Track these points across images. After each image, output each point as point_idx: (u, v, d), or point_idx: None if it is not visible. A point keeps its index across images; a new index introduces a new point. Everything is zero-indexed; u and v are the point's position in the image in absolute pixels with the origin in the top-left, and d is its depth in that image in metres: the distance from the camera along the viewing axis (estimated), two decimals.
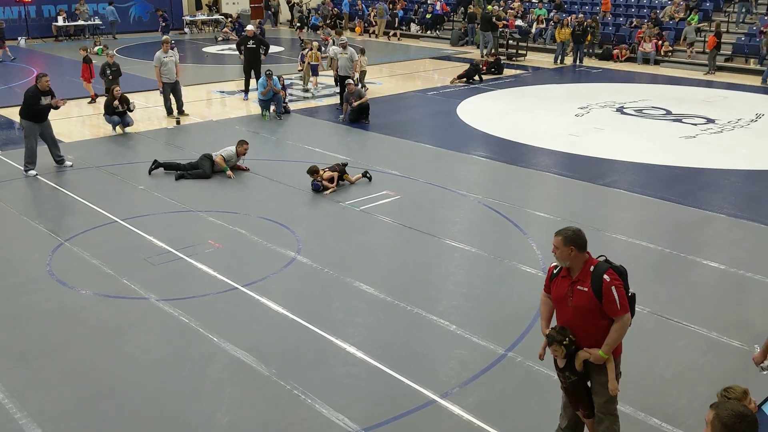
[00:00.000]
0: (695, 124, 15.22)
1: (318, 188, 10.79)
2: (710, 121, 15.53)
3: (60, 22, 28.92)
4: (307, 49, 19.12)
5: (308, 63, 18.85)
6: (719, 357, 6.37)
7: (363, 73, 18.36)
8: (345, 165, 11.25)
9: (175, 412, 5.61)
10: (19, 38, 26.03)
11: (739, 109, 16.64)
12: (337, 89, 16.98)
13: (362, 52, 18.27)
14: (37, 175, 11.68)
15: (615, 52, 24.42)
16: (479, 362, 6.27)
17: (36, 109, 11.79)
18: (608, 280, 4.50)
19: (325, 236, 9.25)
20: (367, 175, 11.34)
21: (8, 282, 7.83)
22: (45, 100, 11.87)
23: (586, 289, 4.55)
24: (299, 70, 19.58)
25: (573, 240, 4.61)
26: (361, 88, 16.98)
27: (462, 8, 30.00)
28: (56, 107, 12.10)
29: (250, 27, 18.70)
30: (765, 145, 13.61)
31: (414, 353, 6.45)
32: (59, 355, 6.41)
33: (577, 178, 11.56)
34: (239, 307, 7.28)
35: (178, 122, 15.21)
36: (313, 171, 10.93)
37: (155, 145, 13.61)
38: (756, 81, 20.56)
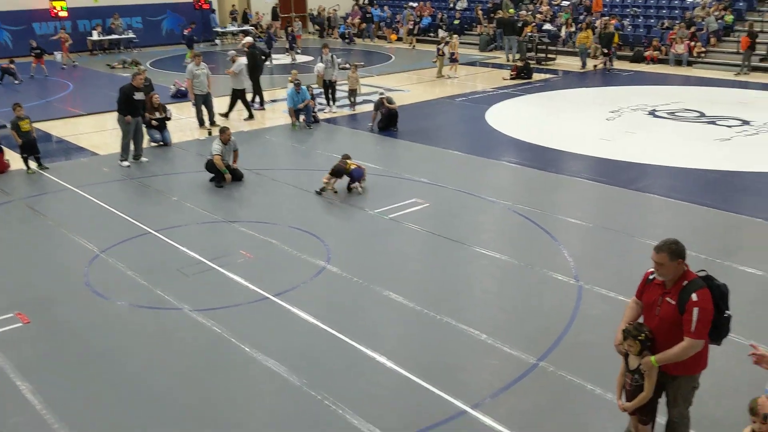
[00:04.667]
0: (730, 126, 14.93)
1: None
2: (745, 122, 15.23)
3: (95, 36, 29.53)
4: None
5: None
6: (756, 366, 6.21)
7: (353, 91, 17.72)
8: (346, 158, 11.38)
9: (210, 421, 5.67)
10: (55, 53, 26.63)
11: None
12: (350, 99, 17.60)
13: (355, 68, 18.05)
14: (129, 166, 12.91)
15: (647, 54, 24.09)
16: (511, 372, 6.22)
17: (129, 104, 12.95)
18: (695, 299, 4.38)
19: (355, 245, 9.28)
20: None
21: (47, 293, 8.00)
22: (138, 96, 13.14)
23: (673, 302, 4.48)
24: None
25: (679, 253, 4.48)
26: (352, 105, 17.11)
27: (491, 13, 29.92)
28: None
29: (248, 39, 19.06)
30: None
31: (445, 363, 6.43)
32: (96, 366, 6.53)
33: (608, 183, 11.42)
34: (270, 317, 7.34)
35: (209, 133, 15.40)
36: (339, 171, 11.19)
37: (188, 156, 13.81)
38: None
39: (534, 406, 5.77)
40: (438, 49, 22.75)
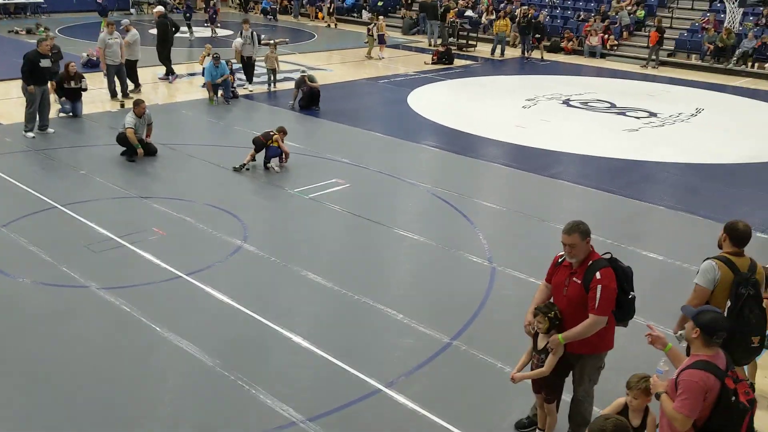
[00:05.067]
0: (638, 118, 15.61)
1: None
2: (653, 114, 15.95)
3: None
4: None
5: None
6: (654, 347, 6.56)
7: (272, 71, 17.11)
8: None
9: (116, 404, 5.49)
10: None
11: (680, 104, 17.13)
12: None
13: (274, 47, 17.55)
14: (34, 137, 12.33)
15: (563, 44, 24.78)
16: (425, 351, 6.32)
17: (35, 72, 12.31)
18: (599, 278, 4.55)
19: (273, 224, 9.17)
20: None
21: None
22: (44, 63, 12.47)
23: (579, 281, 4.64)
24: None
25: (588, 232, 4.65)
26: (272, 85, 16.89)
27: None
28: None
29: (159, 8, 18.48)
30: (704, 139, 14.06)
31: (360, 342, 6.47)
32: None
33: (523, 169, 11.73)
34: (183, 296, 7.17)
35: (122, 105, 14.82)
36: (266, 138, 11.14)
37: (98, 129, 13.24)
38: (697, 76, 21.18)
39: (446, 384, 5.90)
40: (368, 29, 22.78)
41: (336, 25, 29.98)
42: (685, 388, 3.77)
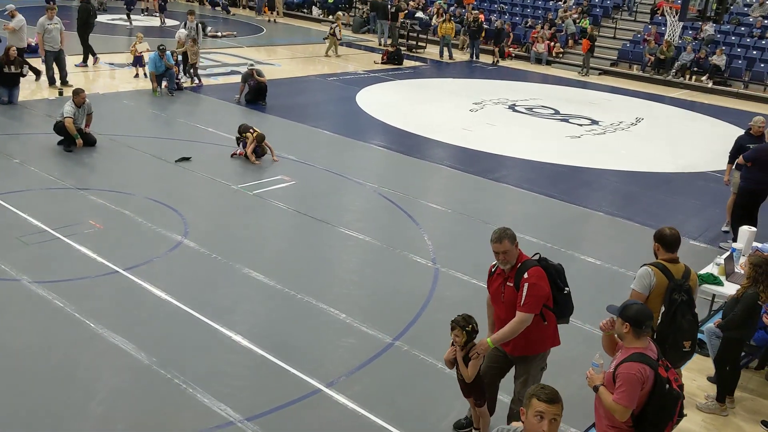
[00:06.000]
0: (581, 125, 15.98)
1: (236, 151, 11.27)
2: (595, 122, 16.35)
3: None
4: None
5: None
6: (592, 347, 6.72)
7: (192, 65, 16.55)
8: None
9: (46, 401, 5.30)
10: None
11: (621, 112, 17.62)
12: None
13: (194, 41, 16.81)
14: None
15: (507, 50, 25.16)
16: (367, 351, 6.31)
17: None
18: (526, 277, 4.65)
19: (215, 220, 9.01)
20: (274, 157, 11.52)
21: None
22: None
23: (511, 284, 4.72)
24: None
25: (515, 236, 4.75)
26: (189, 79, 16.48)
27: None
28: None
29: None
30: (643, 148, 14.49)
31: (301, 342, 6.41)
32: None
33: (468, 172, 11.85)
34: (119, 292, 6.96)
35: (60, 93, 14.33)
36: (244, 129, 11.37)
37: (35, 117, 12.77)
38: (638, 86, 21.81)
39: (387, 385, 5.90)
40: (331, 28, 22.56)
41: (274, 20, 29.33)
42: (624, 380, 3.94)
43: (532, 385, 3.48)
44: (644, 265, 5.20)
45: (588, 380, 4.21)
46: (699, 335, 5.57)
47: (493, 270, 4.96)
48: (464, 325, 4.82)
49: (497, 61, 24.01)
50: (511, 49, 25.16)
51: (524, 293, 4.63)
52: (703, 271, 6.95)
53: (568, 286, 4.90)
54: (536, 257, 4.85)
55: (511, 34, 25.52)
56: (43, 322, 6.34)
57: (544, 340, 4.90)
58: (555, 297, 4.82)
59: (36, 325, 6.30)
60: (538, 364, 4.99)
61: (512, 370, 5.12)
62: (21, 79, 13.48)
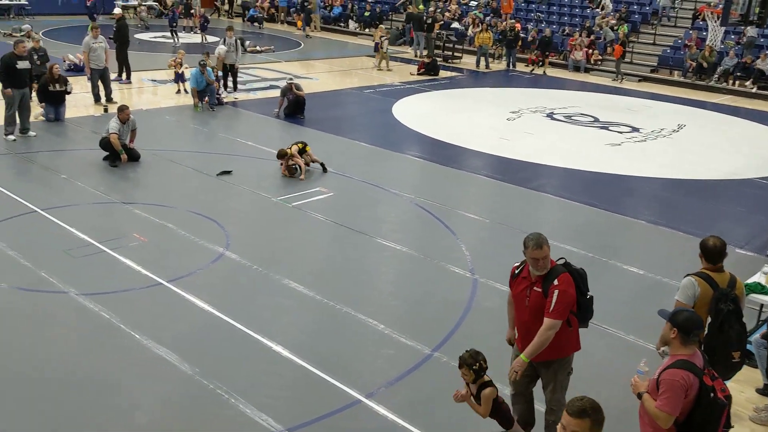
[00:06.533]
0: (621, 132, 15.76)
1: (296, 171, 11.18)
2: (635, 129, 16.12)
3: None
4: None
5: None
6: (635, 358, 6.60)
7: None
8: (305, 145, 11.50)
9: (92, 410, 5.43)
10: None
11: (663, 119, 17.33)
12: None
13: (207, 54, 16.78)
14: (15, 140, 12.19)
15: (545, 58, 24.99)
16: (406, 362, 6.32)
17: (11, 74, 12.14)
18: (556, 284, 4.66)
19: (255, 232, 9.14)
20: (324, 167, 11.52)
21: None
22: (22, 65, 12.23)
23: (540, 290, 4.72)
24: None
25: (547, 241, 4.75)
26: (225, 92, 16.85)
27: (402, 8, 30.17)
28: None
29: (116, 10, 18.49)
30: (684, 155, 14.22)
31: (341, 352, 6.44)
32: None
33: (506, 181, 11.79)
34: (163, 303, 7.11)
35: (105, 110, 14.73)
36: (281, 155, 11.19)
37: (81, 133, 13.14)
38: (679, 92, 21.43)
39: (427, 396, 5.89)
40: (379, 44, 22.88)
41: (308, 35, 29.56)
42: (667, 387, 3.90)
43: (573, 397, 3.45)
44: (688, 275, 5.11)
45: (632, 387, 4.18)
46: (747, 346, 5.44)
47: (516, 272, 4.96)
48: (471, 364, 4.75)
49: (544, 71, 23.80)
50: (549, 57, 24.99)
51: (554, 300, 4.62)
52: (750, 281, 6.79)
53: (589, 291, 4.90)
54: (561, 261, 4.85)
55: (554, 43, 25.36)
56: (89, 333, 6.50)
57: (567, 344, 4.88)
58: (578, 301, 4.82)
59: (83, 336, 6.46)
60: (563, 369, 4.95)
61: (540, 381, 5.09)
62: (66, 96, 13.86)
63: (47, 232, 8.59)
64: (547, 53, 24.15)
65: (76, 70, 17.77)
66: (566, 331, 4.78)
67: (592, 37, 25.04)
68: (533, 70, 23.86)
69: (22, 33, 19.87)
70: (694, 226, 9.96)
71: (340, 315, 7.08)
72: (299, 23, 30.68)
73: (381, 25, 26.52)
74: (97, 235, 8.51)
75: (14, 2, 28.31)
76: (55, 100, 13.67)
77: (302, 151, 11.39)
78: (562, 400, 5.01)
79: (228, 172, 11.07)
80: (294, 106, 15.33)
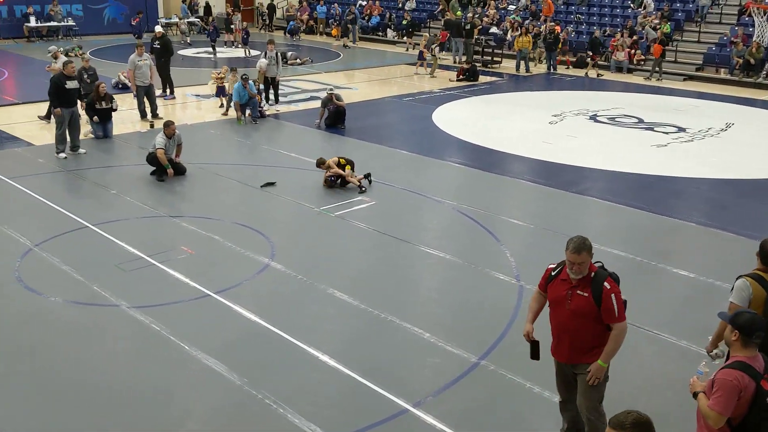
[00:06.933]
0: (667, 133, 15.44)
1: (333, 182, 11.14)
2: (681, 129, 15.77)
3: (32, 22, 28.48)
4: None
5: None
6: (689, 364, 6.45)
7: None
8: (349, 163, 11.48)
9: (144, 419, 5.54)
10: None
11: (710, 118, 16.92)
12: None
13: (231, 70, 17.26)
14: (66, 157, 12.53)
15: (568, 59, 24.78)
16: (452, 370, 6.28)
17: (61, 94, 12.48)
18: (608, 288, 4.67)
19: (300, 242, 9.22)
20: (369, 177, 11.44)
21: None
22: (71, 85, 12.57)
23: (586, 295, 4.70)
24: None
25: (591, 247, 4.76)
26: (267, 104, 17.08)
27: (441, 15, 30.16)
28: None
29: (158, 28, 18.81)
30: (734, 154, 13.86)
31: (387, 361, 6.44)
32: (26, 360, 6.31)
33: (549, 186, 11.66)
34: (211, 315, 7.22)
35: (151, 125, 15.07)
36: (320, 162, 11.24)
37: (128, 149, 13.47)
38: (726, 90, 20.90)
39: (474, 405, 5.84)
40: (431, 50, 23.23)
41: (346, 44, 29.63)
42: (719, 386, 3.87)
43: (620, 411, 3.37)
44: (740, 276, 4.99)
45: (690, 387, 4.16)
46: None
47: (553, 274, 4.93)
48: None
49: (599, 74, 23.41)
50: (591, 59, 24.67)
51: (615, 304, 4.65)
52: None
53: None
54: (599, 265, 4.84)
55: (602, 43, 25.03)
56: (140, 345, 6.65)
57: (600, 348, 4.80)
58: None
59: (134, 348, 6.61)
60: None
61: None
62: (113, 113, 14.21)
63: (98, 247, 8.83)
64: (599, 55, 23.79)
65: (125, 88, 18.23)
66: (604, 334, 4.77)
67: (635, 37, 24.63)
68: (587, 73, 23.50)
69: (76, 48, 20.52)
70: (746, 227, 9.68)
71: (384, 323, 7.09)
72: (334, 32, 30.96)
73: (425, 34, 26.51)
74: (146, 249, 8.70)
75: (63, 24, 29.22)
76: (102, 118, 14.05)
77: (341, 166, 11.36)
78: (600, 410, 4.90)
79: (272, 184, 11.21)
80: (335, 116, 15.45)
